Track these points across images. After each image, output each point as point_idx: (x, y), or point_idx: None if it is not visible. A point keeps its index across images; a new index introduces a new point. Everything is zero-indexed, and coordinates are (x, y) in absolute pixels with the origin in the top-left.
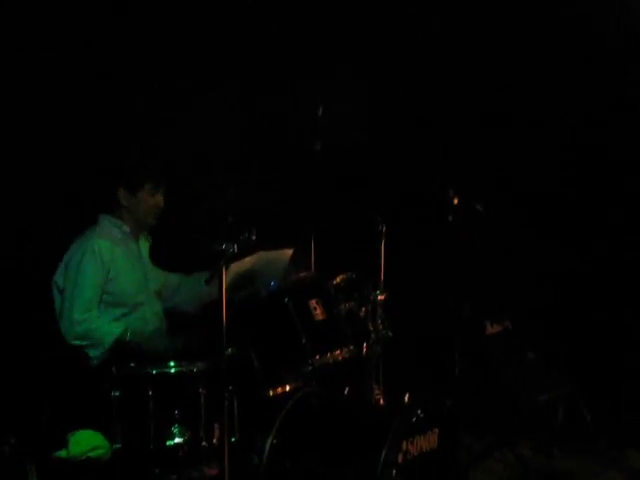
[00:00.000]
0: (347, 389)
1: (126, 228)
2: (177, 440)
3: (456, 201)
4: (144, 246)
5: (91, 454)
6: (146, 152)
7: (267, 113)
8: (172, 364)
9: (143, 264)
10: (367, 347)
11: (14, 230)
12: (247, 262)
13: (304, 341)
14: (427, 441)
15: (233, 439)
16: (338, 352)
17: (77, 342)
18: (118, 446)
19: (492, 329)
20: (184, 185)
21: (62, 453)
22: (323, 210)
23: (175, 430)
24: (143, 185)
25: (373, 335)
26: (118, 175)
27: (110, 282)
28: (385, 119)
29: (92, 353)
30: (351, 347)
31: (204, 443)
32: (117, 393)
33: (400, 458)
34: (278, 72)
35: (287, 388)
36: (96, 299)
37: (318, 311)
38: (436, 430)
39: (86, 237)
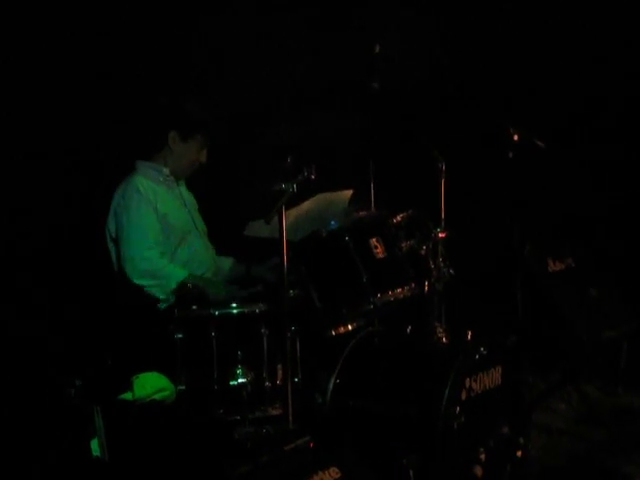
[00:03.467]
0: (409, 328)
1: (166, 171)
2: (240, 381)
3: (516, 138)
4: (186, 192)
5: (156, 396)
6: (206, 102)
7: (326, 50)
8: (234, 305)
9: (187, 208)
10: (428, 285)
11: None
12: (305, 206)
13: (365, 280)
14: (490, 379)
15: (296, 379)
16: (399, 290)
17: (142, 281)
18: (182, 388)
19: (554, 266)
20: (242, 124)
21: (127, 396)
22: (383, 149)
23: (238, 371)
24: (196, 134)
25: (434, 273)
26: (174, 116)
27: (160, 218)
28: (444, 56)
29: (158, 294)
30: (412, 285)
31: (267, 383)
32: (180, 335)
33: (463, 395)
34: (337, 8)
35: (349, 327)
36: (154, 237)
37: (379, 249)
38: (499, 368)
39: (127, 181)
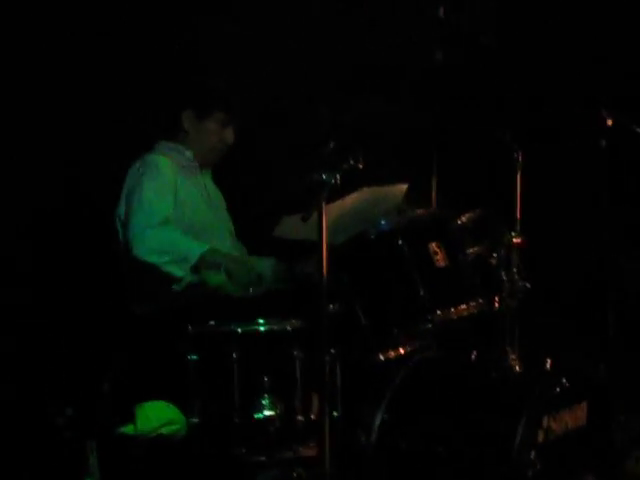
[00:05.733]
0: (474, 353)
1: (189, 154)
2: (267, 413)
3: (610, 123)
4: (211, 185)
5: (163, 430)
6: (224, 76)
7: (376, 17)
8: (262, 321)
9: (212, 202)
10: (499, 301)
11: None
12: (349, 202)
13: (422, 293)
14: (573, 417)
15: (335, 413)
16: (464, 307)
17: (153, 257)
18: (195, 420)
19: None
20: (275, 106)
21: (129, 429)
22: (445, 134)
23: (265, 401)
24: (213, 111)
25: (507, 286)
26: (186, 93)
27: (177, 207)
28: (521, 20)
29: (175, 271)
30: (480, 301)
31: (300, 417)
32: (194, 356)
33: (540, 437)
34: None
35: (401, 351)
36: (171, 213)
37: (439, 256)
38: (584, 404)
39: (144, 158)
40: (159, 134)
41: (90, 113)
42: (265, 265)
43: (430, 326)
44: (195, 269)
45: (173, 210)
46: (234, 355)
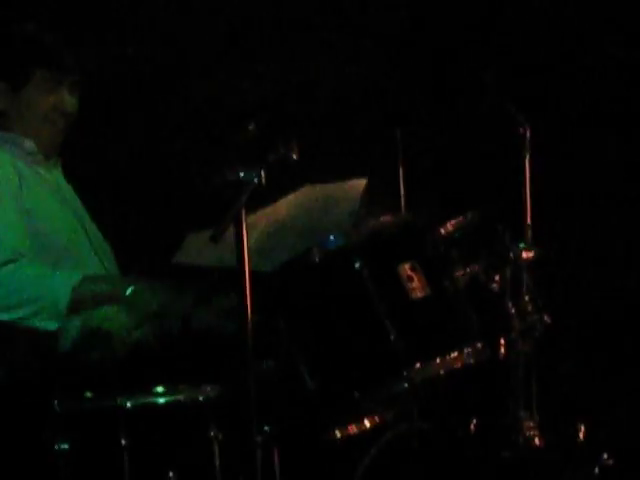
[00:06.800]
0: (474, 422)
1: (28, 143)
2: None
3: None
4: (64, 182)
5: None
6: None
7: None
8: (161, 389)
9: (68, 201)
10: (507, 344)
11: None
12: (282, 210)
13: (393, 338)
14: None
15: None
16: (455, 355)
17: (4, 315)
18: None
19: None
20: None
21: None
22: (418, 106)
23: None
24: (30, 73)
25: (516, 322)
26: None
27: (27, 215)
28: None
29: (46, 324)
30: (478, 345)
31: None
32: (64, 445)
33: None
34: None
35: (367, 424)
36: (18, 242)
37: (416, 283)
38: None
39: None
40: None
41: None
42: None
43: (407, 386)
44: (73, 311)
45: (23, 233)
46: (123, 441)
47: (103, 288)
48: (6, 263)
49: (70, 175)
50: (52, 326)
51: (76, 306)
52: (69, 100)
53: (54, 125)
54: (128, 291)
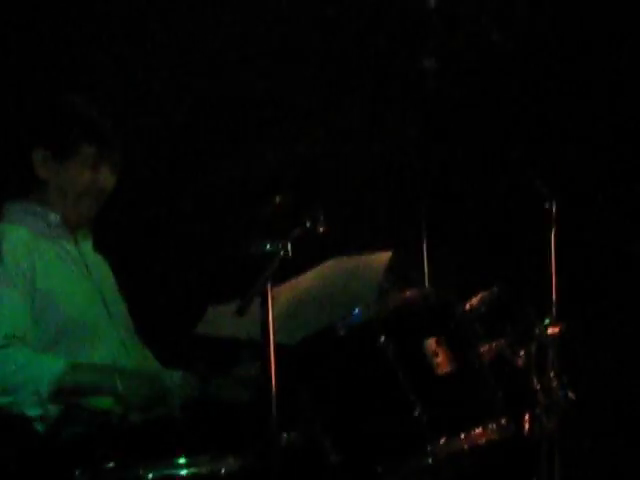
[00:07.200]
0: None
1: (53, 216)
2: None
3: None
4: (92, 255)
5: None
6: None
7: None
8: (183, 461)
9: (95, 282)
10: (531, 421)
11: None
12: (307, 283)
13: (417, 413)
14: None
15: None
16: (479, 431)
17: None
18: None
19: None
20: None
21: None
22: (444, 178)
23: None
24: (76, 147)
25: (542, 398)
26: (34, 123)
27: (38, 298)
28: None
29: (25, 409)
30: (502, 422)
31: None
32: None
33: None
34: None
35: None
36: (19, 326)
37: (441, 359)
38: None
39: None
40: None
41: None
42: (171, 378)
43: (431, 461)
44: (55, 400)
45: (26, 317)
46: None
47: (88, 379)
48: (2, 347)
49: (100, 246)
50: (33, 412)
51: (59, 396)
52: (109, 178)
53: (90, 200)
54: (117, 383)
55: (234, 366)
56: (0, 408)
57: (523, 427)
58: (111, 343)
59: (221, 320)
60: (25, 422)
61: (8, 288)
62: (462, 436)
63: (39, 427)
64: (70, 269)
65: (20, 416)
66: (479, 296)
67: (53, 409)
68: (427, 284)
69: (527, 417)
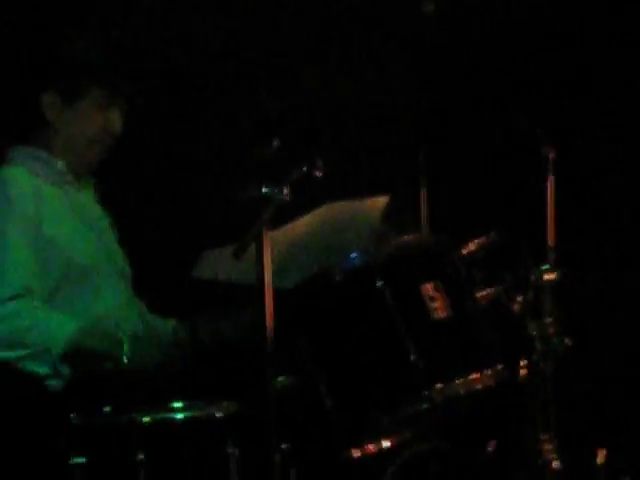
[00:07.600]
0: (493, 443)
1: (60, 164)
2: None
3: None
4: (93, 204)
5: None
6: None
7: None
8: (178, 405)
9: (95, 229)
10: (528, 366)
11: None
12: (303, 227)
13: (414, 358)
14: None
15: None
16: (475, 376)
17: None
18: None
19: None
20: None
21: None
22: (442, 126)
23: None
24: (89, 88)
25: (538, 344)
26: (44, 65)
27: (43, 242)
28: None
29: (36, 368)
30: (498, 367)
31: None
32: (81, 459)
33: None
34: None
35: (385, 444)
36: (25, 279)
37: (438, 304)
38: None
39: None
40: (11, 135)
41: None
42: (161, 327)
43: (427, 406)
44: (67, 359)
45: (35, 258)
46: (139, 456)
47: (98, 346)
48: (13, 298)
49: (101, 193)
50: (42, 371)
51: (69, 358)
52: (118, 122)
53: (99, 145)
54: (124, 349)
55: (229, 310)
56: (7, 363)
57: (518, 372)
58: (114, 293)
59: (217, 264)
60: (36, 379)
61: (17, 236)
62: (458, 381)
63: (52, 383)
64: (75, 217)
65: (30, 373)
66: (476, 242)
67: (65, 368)
68: (424, 229)
69: (523, 362)
